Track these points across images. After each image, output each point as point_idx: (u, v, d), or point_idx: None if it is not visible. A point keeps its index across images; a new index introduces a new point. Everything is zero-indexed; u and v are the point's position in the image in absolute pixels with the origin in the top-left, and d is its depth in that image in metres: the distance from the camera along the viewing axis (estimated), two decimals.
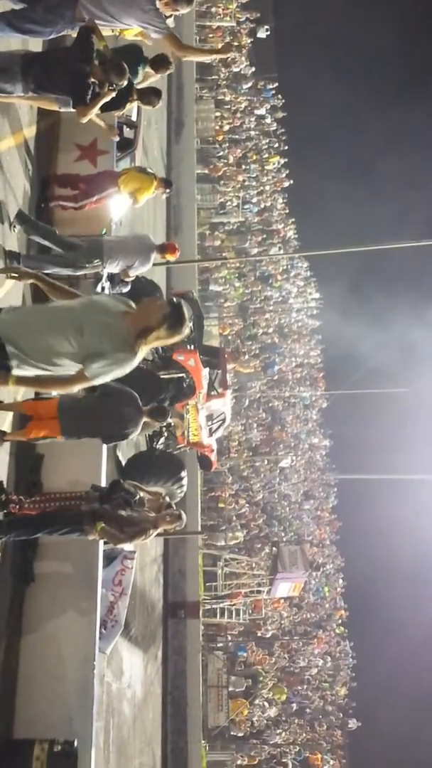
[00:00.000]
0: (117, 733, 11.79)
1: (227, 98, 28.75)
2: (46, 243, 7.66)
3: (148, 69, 7.89)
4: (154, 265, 9.57)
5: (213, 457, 14.86)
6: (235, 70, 29.51)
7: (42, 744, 6.31)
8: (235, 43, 29.25)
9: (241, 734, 21.50)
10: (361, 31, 38.50)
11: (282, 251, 29.61)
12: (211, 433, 14.19)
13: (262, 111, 30.69)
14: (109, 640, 9.60)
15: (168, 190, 9.48)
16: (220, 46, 27.84)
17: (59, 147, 9.37)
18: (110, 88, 7.14)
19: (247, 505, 27.04)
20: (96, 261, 7.88)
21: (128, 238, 8.73)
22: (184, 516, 7.04)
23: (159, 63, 7.90)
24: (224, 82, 28.74)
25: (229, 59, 28.55)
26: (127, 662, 12.93)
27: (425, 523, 30.23)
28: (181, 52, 7.42)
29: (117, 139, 9.35)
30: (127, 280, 8.70)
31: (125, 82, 7.25)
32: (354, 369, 32.86)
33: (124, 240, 8.58)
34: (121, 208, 9.60)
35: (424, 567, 33.12)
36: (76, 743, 6.44)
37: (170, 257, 9.07)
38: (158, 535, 7.22)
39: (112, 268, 8.09)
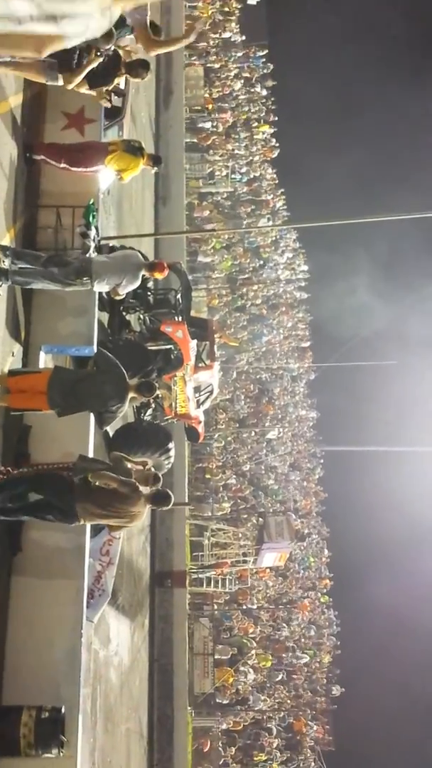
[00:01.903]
0: (104, 700, 11.96)
1: (217, 66, 28.35)
2: (34, 267, 7.61)
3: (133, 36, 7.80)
4: (143, 236, 9.53)
5: (200, 428, 14.93)
6: (225, 36, 29.08)
7: (30, 710, 6.41)
8: (225, 9, 28.89)
9: (226, 701, 21.85)
10: None
11: (271, 222, 29.42)
12: (198, 404, 14.24)
13: (252, 79, 30.34)
14: (96, 608, 9.72)
15: (156, 167, 9.44)
16: (208, 13, 27.52)
17: (46, 115, 9.27)
18: (97, 53, 7.07)
19: (234, 476, 27.21)
20: (85, 279, 7.88)
21: (117, 257, 8.71)
22: (172, 497, 7.04)
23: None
24: (213, 49, 28.32)
25: (219, 27, 28.22)
26: (115, 630, 13.08)
27: (409, 494, 30.51)
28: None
29: (108, 105, 9.23)
30: (116, 298, 8.68)
31: (111, 47, 7.17)
32: (342, 341, 32.92)
33: (113, 259, 8.58)
34: (108, 177, 9.53)
35: (407, 537, 33.51)
36: (63, 709, 6.55)
37: (158, 275, 9.02)
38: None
39: (101, 286, 8.07)
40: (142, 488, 6.65)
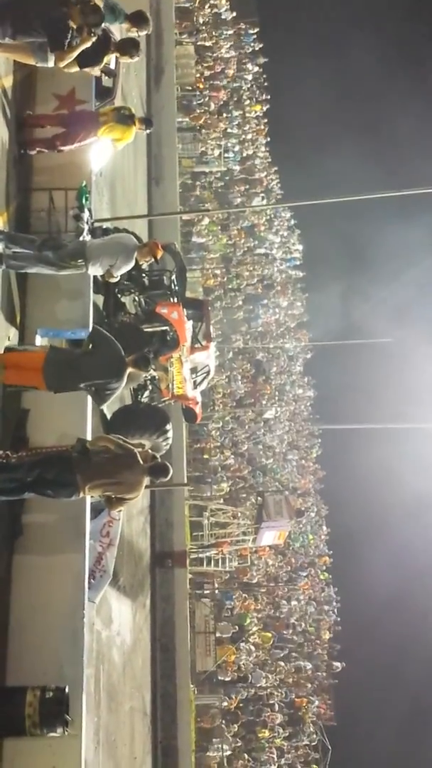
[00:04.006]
0: (107, 680, 12.07)
1: (207, 44, 28.07)
2: (28, 251, 7.61)
3: (126, 24, 7.78)
4: (137, 217, 9.52)
5: (198, 409, 14.93)
6: (214, 13, 28.77)
7: (34, 691, 6.49)
8: None
9: (228, 678, 22.07)
10: None
11: (265, 201, 29.29)
12: (195, 385, 14.23)
13: (243, 56, 30.09)
14: (97, 589, 9.80)
15: (149, 129, 9.47)
16: None
17: (36, 97, 9.22)
18: (88, 33, 7.05)
19: (232, 456, 27.29)
20: (80, 261, 7.92)
21: (111, 240, 8.76)
22: (170, 468, 7.12)
23: (137, 19, 7.79)
24: (204, 27, 28.02)
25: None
26: (116, 611, 13.18)
27: (406, 471, 30.67)
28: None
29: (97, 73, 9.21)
30: (111, 281, 8.65)
31: (102, 25, 7.15)
32: (338, 319, 32.92)
33: (107, 241, 8.62)
34: (100, 158, 9.51)
35: (404, 513, 33.71)
36: (67, 689, 6.62)
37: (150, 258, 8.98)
38: (146, 486, 7.29)
39: (95, 269, 8.07)
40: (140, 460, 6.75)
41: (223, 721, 21.24)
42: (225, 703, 21.65)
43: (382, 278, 33.72)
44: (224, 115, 28.47)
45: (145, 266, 11.98)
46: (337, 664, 29.52)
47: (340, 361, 34.65)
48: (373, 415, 32.40)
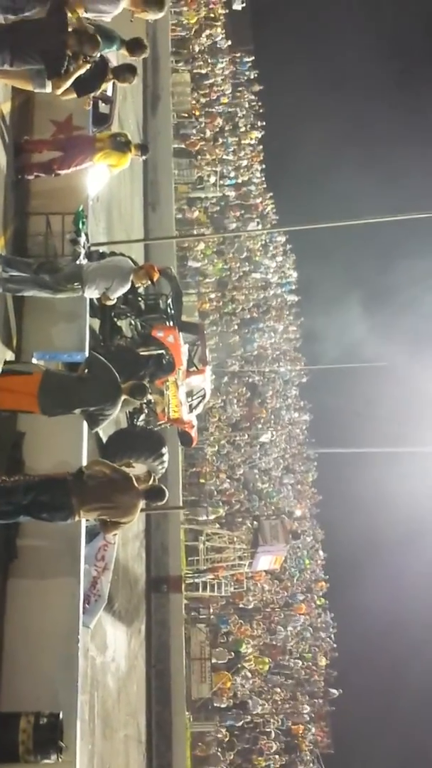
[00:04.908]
0: (102, 706, 11.95)
1: (203, 71, 28.45)
2: (25, 274, 7.67)
3: (123, 50, 7.88)
4: (133, 241, 9.58)
5: (193, 433, 14.92)
6: (209, 42, 29.18)
7: (28, 717, 6.41)
8: (211, 15, 29.02)
9: (224, 705, 21.83)
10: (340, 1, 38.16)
11: (260, 226, 29.51)
12: (191, 409, 14.24)
13: (238, 84, 30.48)
14: (92, 614, 9.73)
15: (144, 156, 9.58)
16: (194, 20, 27.64)
17: (34, 123, 9.30)
18: (85, 60, 7.14)
19: (228, 480, 27.23)
20: (76, 284, 7.97)
21: (107, 263, 8.85)
22: (166, 491, 7.11)
23: (134, 46, 7.89)
24: (199, 55, 28.42)
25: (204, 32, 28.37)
26: (111, 636, 13.08)
27: (401, 495, 30.62)
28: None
29: (89, 107, 9.32)
30: (107, 303, 8.70)
31: (99, 54, 7.24)
32: (333, 344, 33.01)
33: (103, 264, 8.68)
34: (97, 183, 9.60)
35: (401, 537, 33.60)
36: (61, 715, 6.54)
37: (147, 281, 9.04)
38: (142, 510, 7.27)
39: (92, 292, 8.12)
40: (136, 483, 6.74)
41: (219, 749, 20.98)
42: (219, 735, 21.40)
43: (378, 302, 33.88)
44: (220, 141, 28.76)
45: (141, 290, 12.06)
46: (334, 690, 29.22)
47: (336, 385, 34.74)
48: (368, 438, 32.42)
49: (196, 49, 28.32)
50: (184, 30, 27.70)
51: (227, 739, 21.42)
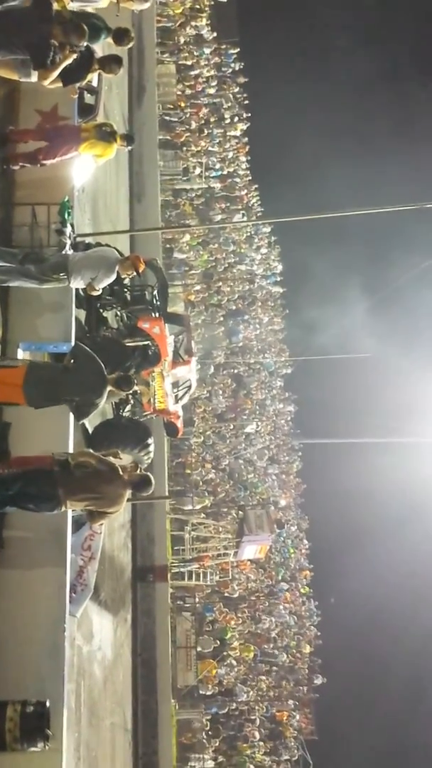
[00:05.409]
0: (88, 695, 12.03)
1: (189, 62, 28.34)
2: (10, 265, 7.69)
3: (109, 39, 7.89)
4: (119, 232, 9.60)
5: (179, 423, 15.00)
6: (195, 33, 29.05)
7: (15, 705, 6.48)
8: (196, 6, 28.88)
9: (209, 693, 21.98)
10: None
11: (245, 218, 29.51)
12: (177, 400, 14.31)
13: (223, 76, 30.37)
14: (79, 603, 9.78)
15: (130, 146, 9.59)
16: (179, 11, 27.52)
17: (20, 113, 9.28)
18: (71, 50, 7.14)
19: (213, 470, 27.33)
20: (62, 274, 8.02)
21: (93, 253, 8.87)
22: (153, 481, 7.18)
23: (120, 35, 7.90)
24: (185, 46, 28.30)
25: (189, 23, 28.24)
26: (97, 625, 13.15)
27: (386, 485, 30.87)
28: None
29: (75, 96, 9.32)
30: (93, 294, 8.74)
31: (85, 44, 7.25)
32: (318, 334, 33.12)
33: (89, 255, 8.71)
34: (82, 174, 9.60)
35: (385, 526, 33.87)
36: (48, 704, 6.61)
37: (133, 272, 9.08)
38: (128, 500, 7.34)
39: (77, 282, 8.16)
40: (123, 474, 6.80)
41: (204, 736, 21.14)
42: (200, 724, 21.54)
43: (362, 294, 33.99)
44: (205, 132, 28.69)
45: (127, 281, 12.09)
46: (318, 678, 29.45)
47: (321, 376, 34.87)
48: (353, 429, 32.62)
49: (182, 40, 28.17)
50: (169, 21, 27.55)
51: (207, 728, 21.57)
